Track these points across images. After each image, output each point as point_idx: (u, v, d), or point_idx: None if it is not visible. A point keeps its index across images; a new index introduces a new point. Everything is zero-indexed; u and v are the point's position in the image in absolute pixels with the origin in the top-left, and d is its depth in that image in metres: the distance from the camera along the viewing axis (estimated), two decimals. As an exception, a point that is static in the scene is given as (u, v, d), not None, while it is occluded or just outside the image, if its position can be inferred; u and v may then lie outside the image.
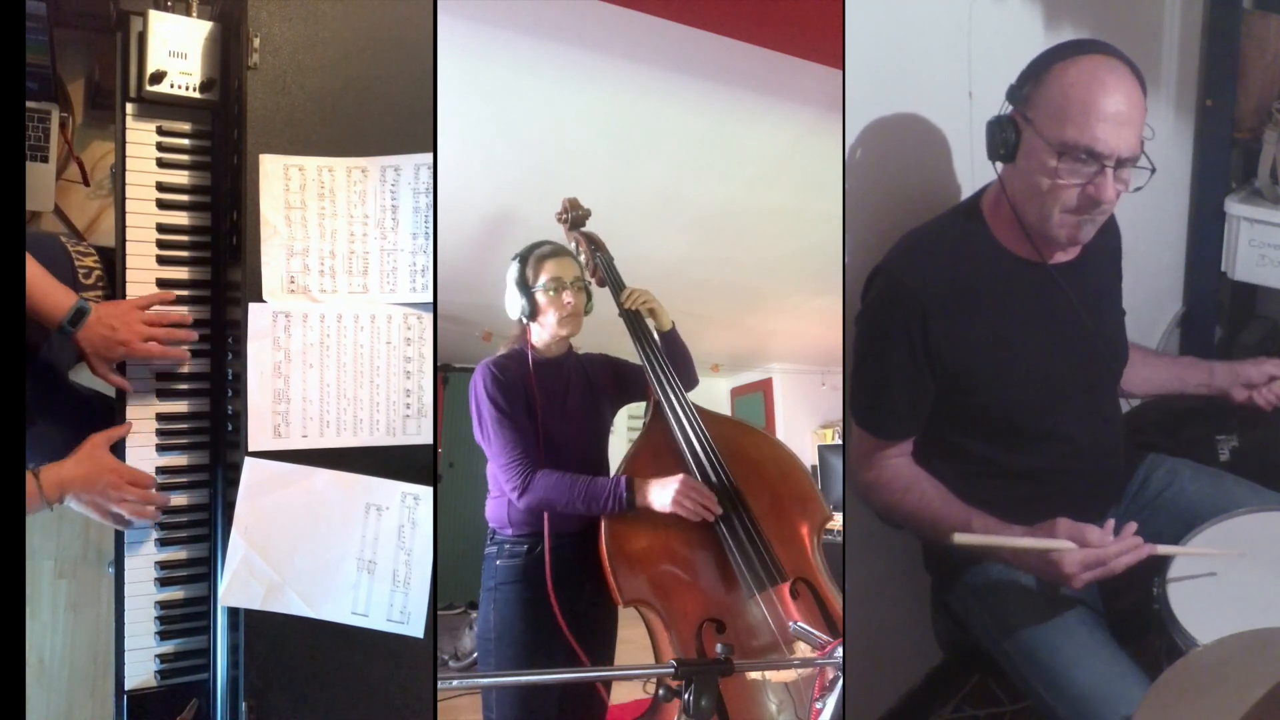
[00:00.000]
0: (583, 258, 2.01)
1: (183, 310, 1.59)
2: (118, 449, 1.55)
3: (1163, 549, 1.43)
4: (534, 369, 1.84)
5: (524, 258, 1.90)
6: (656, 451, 1.78)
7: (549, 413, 1.83)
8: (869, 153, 1.77)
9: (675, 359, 1.92)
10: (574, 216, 2.08)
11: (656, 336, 1.93)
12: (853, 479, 1.68)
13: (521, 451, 1.75)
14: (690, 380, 1.95)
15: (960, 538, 1.39)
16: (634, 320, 1.92)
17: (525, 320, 1.88)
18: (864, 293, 1.63)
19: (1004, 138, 1.49)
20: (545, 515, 1.76)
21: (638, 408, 2.02)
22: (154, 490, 1.54)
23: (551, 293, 1.85)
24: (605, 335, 2.04)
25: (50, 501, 1.44)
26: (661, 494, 1.66)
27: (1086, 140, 1.40)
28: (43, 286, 1.46)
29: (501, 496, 1.84)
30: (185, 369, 1.61)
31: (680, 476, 1.68)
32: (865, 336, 1.61)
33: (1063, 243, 1.53)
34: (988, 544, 1.42)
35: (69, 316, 1.47)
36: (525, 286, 1.87)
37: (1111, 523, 1.40)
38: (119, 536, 1.56)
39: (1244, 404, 1.79)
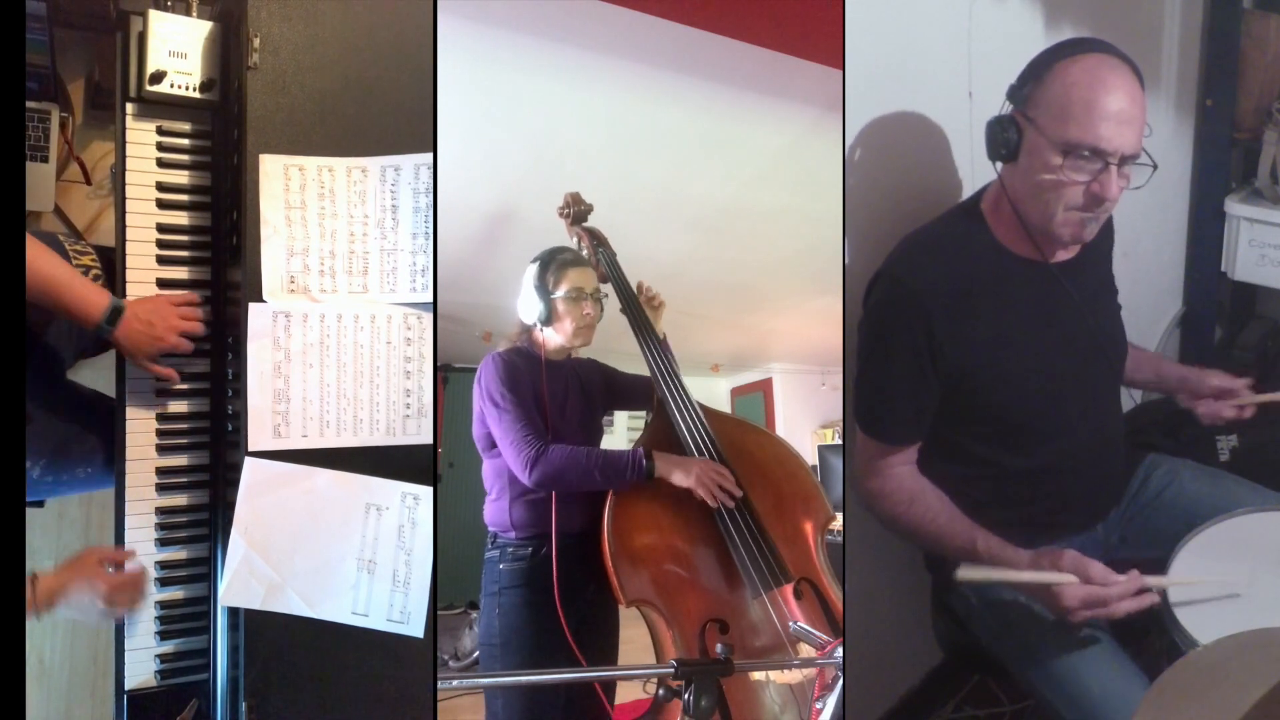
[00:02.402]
0: (585, 253, 2.00)
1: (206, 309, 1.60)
2: (119, 446, 1.55)
3: (1161, 581, 1.43)
4: (545, 370, 1.84)
5: (545, 263, 1.89)
6: (659, 449, 1.78)
7: (552, 411, 1.83)
8: (869, 152, 1.77)
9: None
10: (576, 211, 2.08)
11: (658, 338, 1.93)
12: (856, 488, 1.68)
13: (533, 429, 1.74)
14: None
15: (963, 574, 1.39)
16: (638, 314, 1.92)
17: (540, 325, 1.88)
18: (865, 297, 1.63)
19: (1005, 137, 1.49)
20: (553, 513, 1.75)
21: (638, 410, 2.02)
22: (145, 577, 1.53)
23: (572, 302, 1.85)
24: (604, 336, 2.04)
25: (40, 611, 1.42)
26: (684, 470, 1.68)
27: (1091, 138, 1.41)
28: (78, 288, 1.47)
29: (501, 498, 1.84)
30: (185, 369, 1.60)
31: (701, 459, 1.70)
32: (868, 340, 1.60)
33: (1066, 241, 1.53)
34: (992, 579, 1.43)
35: (106, 315, 1.48)
36: (545, 291, 1.86)
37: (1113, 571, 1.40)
38: (119, 535, 1.56)
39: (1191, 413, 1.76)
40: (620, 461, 1.69)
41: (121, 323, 1.49)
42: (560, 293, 1.85)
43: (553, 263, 1.89)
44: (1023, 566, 1.44)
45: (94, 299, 1.48)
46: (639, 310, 1.94)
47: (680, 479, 1.67)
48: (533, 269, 1.90)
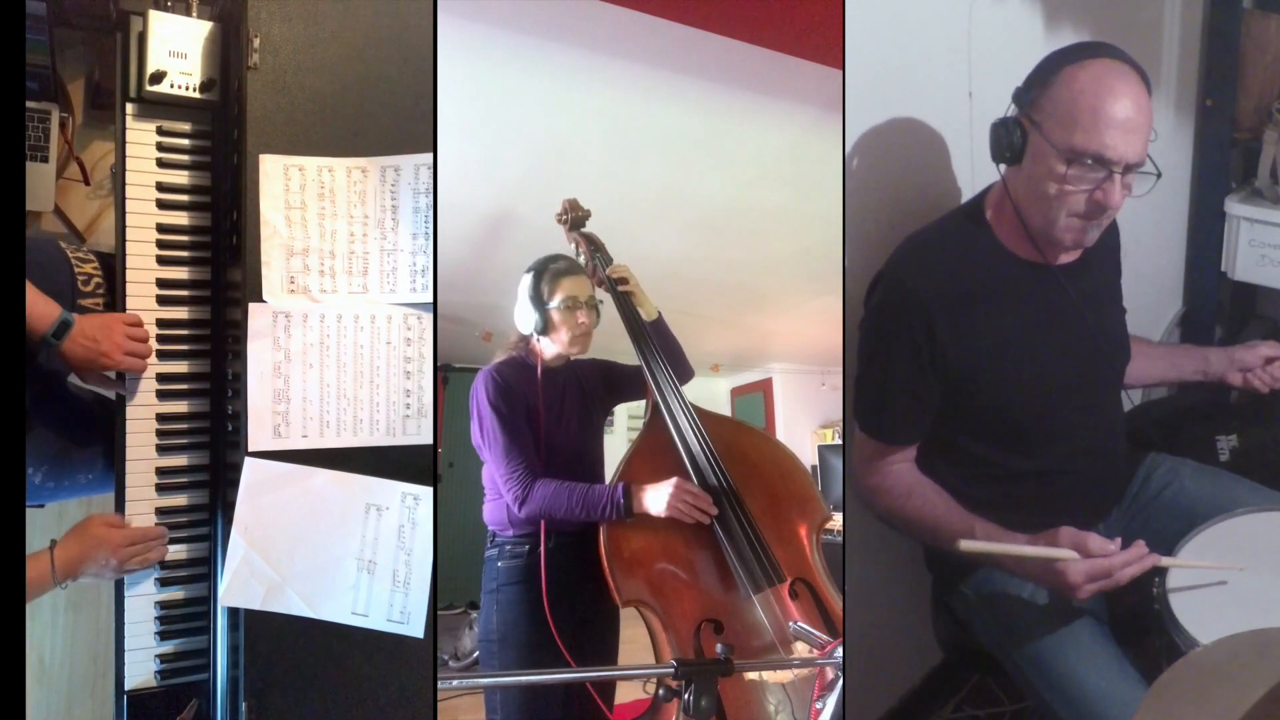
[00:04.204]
0: (582, 259, 2.01)
1: (180, 313, 1.59)
2: (119, 446, 1.55)
3: (1166, 561, 1.43)
4: (538, 378, 1.84)
5: (539, 272, 1.89)
6: (654, 452, 1.79)
7: (549, 419, 1.83)
8: (868, 155, 1.77)
9: (666, 350, 1.91)
10: (574, 218, 2.08)
11: (647, 327, 1.93)
12: (855, 484, 1.68)
13: (522, 461, 1.76)
14: (684, 372, 1.94)
15: (966, 544, 1.38)
16: (634, 322, 1.92)
17: (537, 335, 1.88)
18: (867, 297, 1.63)
19: (1010, 140, 1.48)
20: (542, 520, 1.76)
21: (638, 408, 2.02)
22: (155, 534, 1.55)
23: (567, 311, 1.85)
24: (607, 337, 2.04)
25: (61, 581, 1.45)
26: (656, 499, 1.66)
27: (1096, 146, 1.40)
28: (27, 299, 1.46)
29: (499, 499, 1.84)
30: (185, 369, 1.60)
31: (674, 480, 1.67)
32: (869, 341, 1.60)
33: (1067, 246, 1.53)
34: (993, 551, 1.42)
35: (53, 329, 1.46)
36: (540, 302, 1.86)
37: (1118, 541, 1.40)
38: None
39: (1242, 388, 1.78)
40: (599, 499, 1.69)
41: (68, 338, 1.47)
42: (555, 303, 1.85)
43: (546, 272, 1.88)
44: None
45: (43, 311, 1.46)
46: (636, 318, 1.94)
47: (655, 510, 1.66)
48: (527, 279, 1.89)
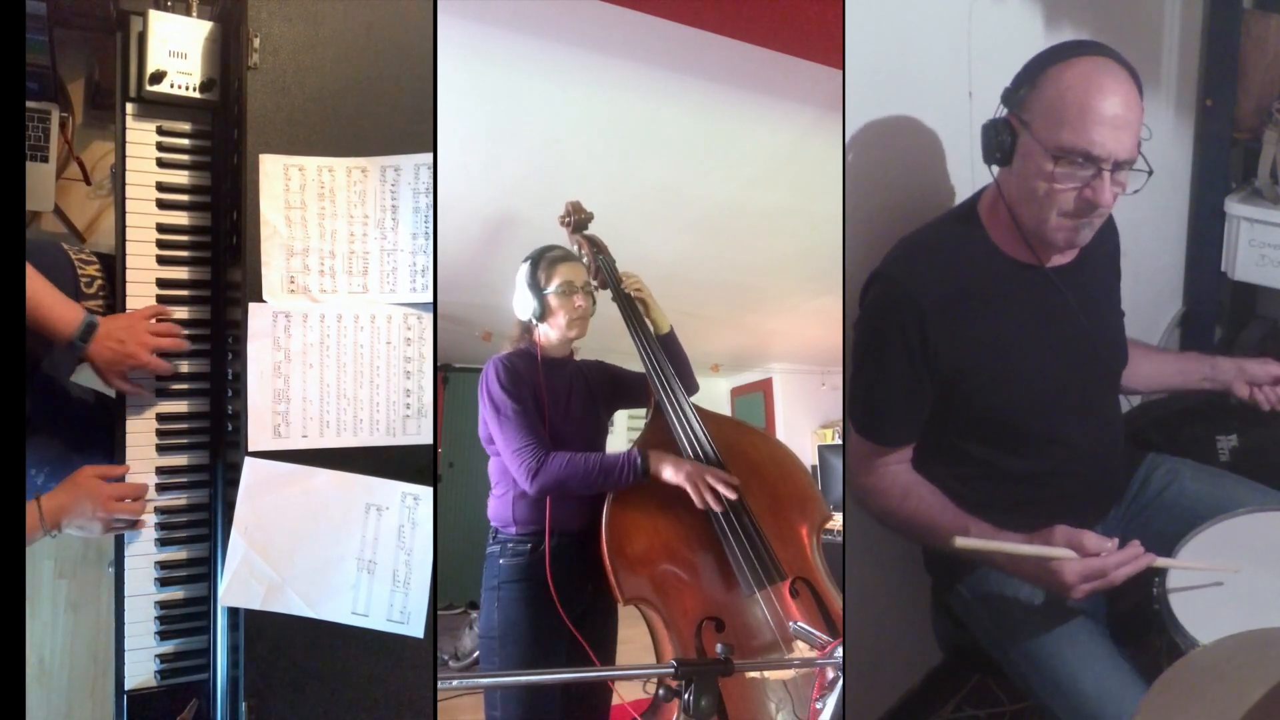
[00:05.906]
0: (585, 260, 2.02)
1: (180, 313, 1.59)
2: (119, 446, 1.55)
3: (1162, 561, 1.43)
4: (543, 367, 1.86)
5: (535, 261, 1.93)
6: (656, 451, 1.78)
7: (554, 411, 1.84)
8: (868, 154, 1.77)
9: (674, 362, 1.93)
10: (576, 220, 2.10)
11: (655, 336, 1.95)
12: (851, 484, 1.68)
13: (535, 437, 1.76)
14: (689, 386, 1.96)
15: (961, 542, 1.38)
16: (630, 312, 1.93)
17: (535, 321, 1.90)
18: (861, 297, 1.63)
19: (999, 141, 1.48)
20: (547, 512, 1.76)
21: (638, 410, 2.02)
22: (149, 494, 1.55)
23: (563, 295, 1.88)
24: (606, 337, 2.04)
25: (50, 530, 1.45)
26: (676, 466, 1.70)
27: (1083, 144, 1.39)
28: (51, 302, 1.46)
29: (504, 494, 1.85)
30: (185, 369, 1.61)
31: (700, 463, 1.72)
32: (863, 342, 1.61)
33: (1060, 246, 1.52)
34: (988, 549, 1.42)
35: (80, 331, 1.47)
36: (537, 289, 1.89)
37: (1116, 541, 1.40)
38: (119, 536, 1.56)
39: (1245, 401, 1.78)
40: (616, 463, 1.71)
41: (94, 339, 1.48)
42: (552, 288, 1.88)
43: (543, 260, 1.93)
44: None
45: (68, 315, 1.47)
46: (637, 317, 1.95)
47: (671, 475, 1.69)
48: (524, 267, 1.93)
